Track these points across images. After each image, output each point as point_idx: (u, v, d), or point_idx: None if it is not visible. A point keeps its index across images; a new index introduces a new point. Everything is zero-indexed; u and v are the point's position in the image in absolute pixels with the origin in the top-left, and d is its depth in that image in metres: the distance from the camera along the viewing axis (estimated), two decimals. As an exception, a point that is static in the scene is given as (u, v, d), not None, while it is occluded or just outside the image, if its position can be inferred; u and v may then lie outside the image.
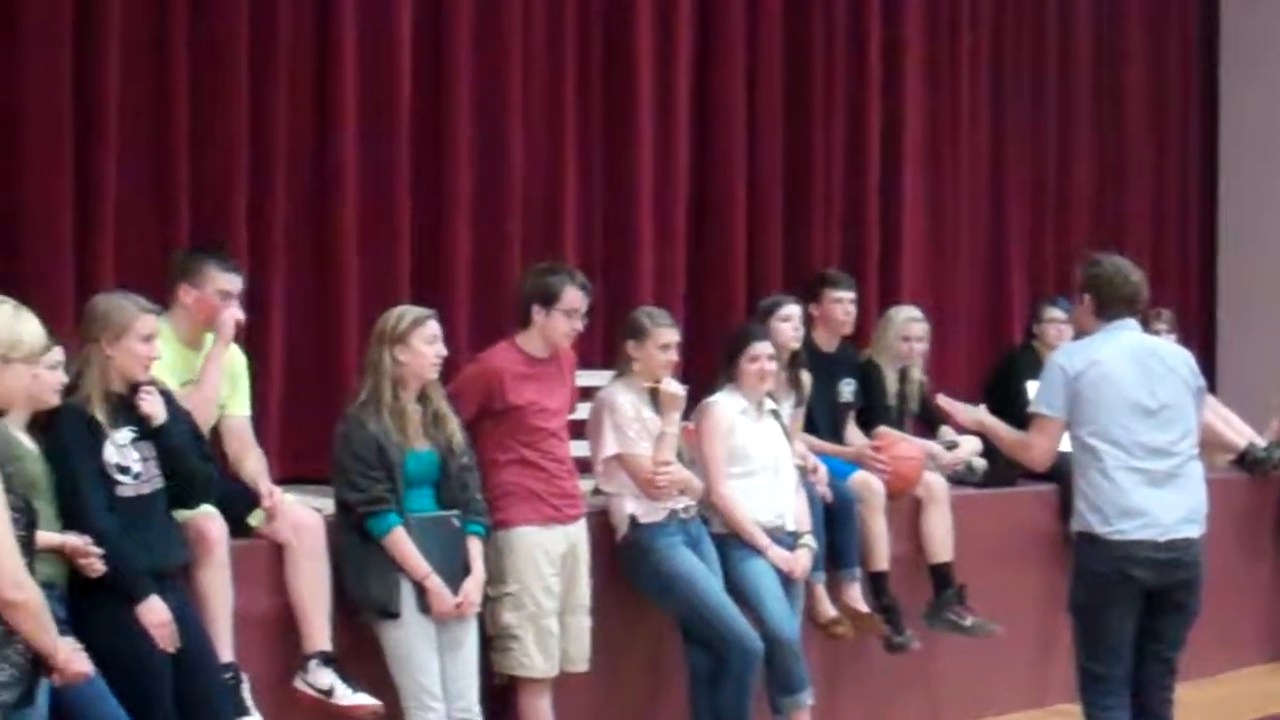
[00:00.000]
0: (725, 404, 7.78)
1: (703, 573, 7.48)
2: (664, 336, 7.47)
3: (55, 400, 5.74)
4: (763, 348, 7.81)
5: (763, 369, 7.78)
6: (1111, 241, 12.76)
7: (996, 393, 9.93)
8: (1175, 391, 6.88)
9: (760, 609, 7.65)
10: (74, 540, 5.68)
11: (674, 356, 7.53)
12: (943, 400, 7.65)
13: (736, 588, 7.67)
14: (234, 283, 6.65)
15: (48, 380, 5.60)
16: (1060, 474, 9.43)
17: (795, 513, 7.89)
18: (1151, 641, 6.86)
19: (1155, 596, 6.79)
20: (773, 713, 7.85)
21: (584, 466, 7.61)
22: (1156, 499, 6.74)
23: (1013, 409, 9.64)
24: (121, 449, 5.91)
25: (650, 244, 9.92)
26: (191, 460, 6.08)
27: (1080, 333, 7.39)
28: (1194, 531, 6.82)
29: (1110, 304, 6.96)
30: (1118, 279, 6.98)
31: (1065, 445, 7.12)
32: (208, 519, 6.28)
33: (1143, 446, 6.77)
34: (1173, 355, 7.08)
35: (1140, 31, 13.34)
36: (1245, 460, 10.74)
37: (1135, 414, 6.78)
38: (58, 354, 5.67)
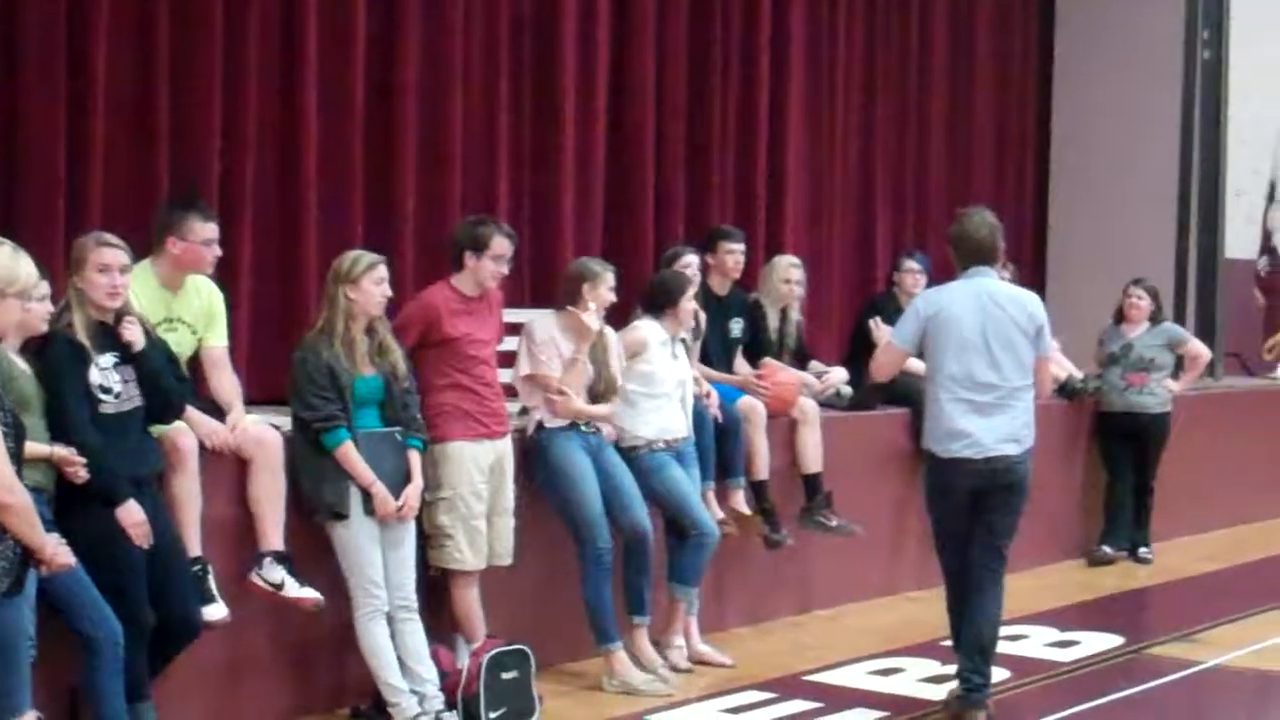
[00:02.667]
0: (646, 328, 7.65)
1: (587, 477, 7.26)
2: (610, 280, 7.33)
3: (44, 328, 5.52)
4: (693, 290, 7.81)
5: (695, 307, 7.81)
6: (961, 205, 12.72)
7: (862, 330, 9.82)
8: (1007, 332, 6.81)
9: (687, 510, 7.60)
10: (61, 451, 5.44)
11: (613, 297, 7.37)
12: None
13: (658, 493, 7.57)
14: (214, 230, 6.36)
15: (38, 310, 5.39)
16: (912, 400, 9.46)
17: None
18: (985, 533, 6.88)
19: (982, 497, 6.83)
20: (671, 600, 7.73)
21: (510, 391, 7.38)
22: (979, 425, 6.76)
23: (874, 343, 9.61)
24: (104, 372, 5.66)
25: (571, 201, 9.73)
26: (167, 383, 5.83)
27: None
28: (1013, 450, 6.81)
29: (964, 257, 6.97)
30: (966, 237, 6.96)
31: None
32: (180, 433, 6.02)
33: (972, 380, 6.77)
34: (1011, 300, 6.92)
35: (988, 22, 13.24)
36: (1065, 389, 10.73)
37: (969, 352, 6.78)
38: (45, 287, 5.43)
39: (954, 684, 7.05)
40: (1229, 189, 14.02)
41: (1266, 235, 14.26)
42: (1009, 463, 6.80)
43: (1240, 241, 14.28)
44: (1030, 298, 7.05)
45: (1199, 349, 11.23)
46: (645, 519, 7.39)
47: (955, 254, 6.99)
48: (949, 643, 7.21)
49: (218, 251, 6.36)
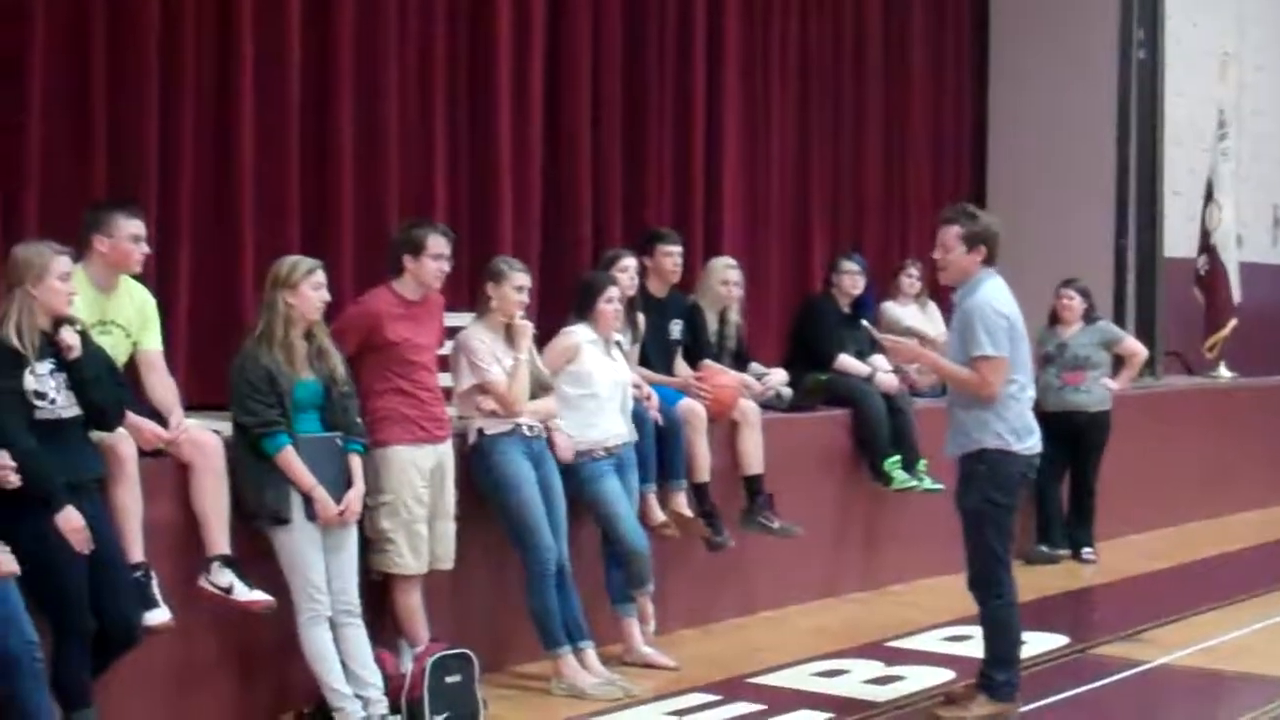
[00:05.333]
0: (579, 332, 7.72)
1: (530, 483, 7.32)
2: (518, 279, 7.36)
3: (-15, 335, 5.56)
4: (614, 291, 7.80)
5: (616, 308, 7.77)
6: (898, 210, 12.93)
7: (800, 331, 9.96)
8: (1026, 332, 7.08)
9: (617, 526, 7.67)
10: (-9, 455, 5.50)
11: (526, 298, 7.40)
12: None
13: (591, 505, 7.68)
14: (140, 226, 6.38)
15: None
16: (853, 401, 9.57)
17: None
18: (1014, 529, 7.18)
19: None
20: (613, 604, 7.87)
21: (451, 394, 7.44)
22: (1035, 422, 7.03)
23: (813, 345, 9.75)
24: (40, 378, 5.69)
25: (509, 204, 9.78)
26: (103, 390, 5.84)
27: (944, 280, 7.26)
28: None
29: (995, 254, 6.99)
30: (993, 235, 6.98)
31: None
32: (120, 440, 6.05)
33: (1027, 378, 7.01)
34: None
35: (923, 24, 13.41)
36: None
37: (1025, 352, 7.00)
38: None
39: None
40: (1166, 189, 14.26)
41: (1205, 234, 14.44)
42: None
43: (1179, 240, 14.50)
44: None
45: (1135, 347, 11.39)
46: (565, 550, 7.44)
47: (984, 250, 6.90)
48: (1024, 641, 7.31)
49: (145, 249, 6.40)
